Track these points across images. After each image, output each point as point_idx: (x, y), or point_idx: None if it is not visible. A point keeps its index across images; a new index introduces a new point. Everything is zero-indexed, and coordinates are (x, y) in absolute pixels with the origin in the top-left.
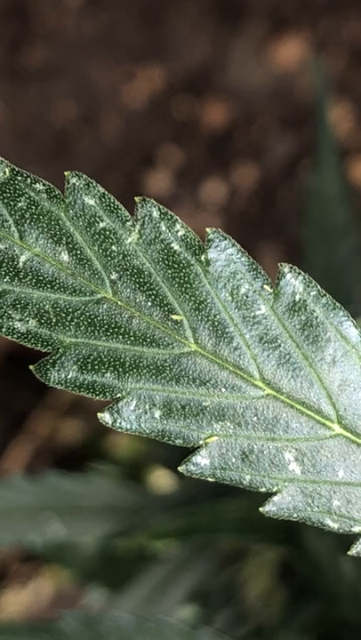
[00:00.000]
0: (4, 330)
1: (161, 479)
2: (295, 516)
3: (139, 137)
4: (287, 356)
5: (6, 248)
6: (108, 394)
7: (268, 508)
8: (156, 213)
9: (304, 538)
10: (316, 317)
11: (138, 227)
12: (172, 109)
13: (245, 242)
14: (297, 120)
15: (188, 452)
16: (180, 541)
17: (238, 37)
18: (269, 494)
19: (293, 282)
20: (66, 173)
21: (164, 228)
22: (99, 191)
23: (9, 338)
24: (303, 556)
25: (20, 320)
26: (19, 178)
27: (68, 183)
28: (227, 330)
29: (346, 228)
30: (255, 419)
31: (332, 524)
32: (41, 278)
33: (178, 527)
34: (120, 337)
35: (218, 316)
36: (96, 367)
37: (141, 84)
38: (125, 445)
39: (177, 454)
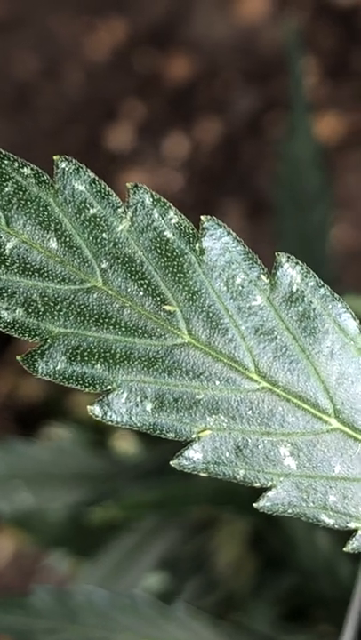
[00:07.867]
0: None
1: (124, 439)
2: (290, 511)
3: (101, 90)
4: (284, 349)
5: None
6: (98, 386)
7: (263, 504)
8: (148, 200)
9: None
10: (314, 309)
11: (130, 214)
12: (134, 62)
13: (208, 198)
14: (261, 74)
15: None
16: (152, 511)
17: None
18: (264, 489)
19: (291, 272)
20: (55, 158)
21: (156, 216)
22: (89, 176)
23: None
24: (277, 529)
25: (7, 309)
26: (5, 162)
27: (58, 168)
28: (221, 321)
29: (320, 194)
30: (250, 412)
31: (328, 520)
32: (28, 266)
33: (151, 499)
34: (111, 327)
35: (212, 307)
36: (86, 358)
37: (104, 36)
38: (87, 404)
39: None
